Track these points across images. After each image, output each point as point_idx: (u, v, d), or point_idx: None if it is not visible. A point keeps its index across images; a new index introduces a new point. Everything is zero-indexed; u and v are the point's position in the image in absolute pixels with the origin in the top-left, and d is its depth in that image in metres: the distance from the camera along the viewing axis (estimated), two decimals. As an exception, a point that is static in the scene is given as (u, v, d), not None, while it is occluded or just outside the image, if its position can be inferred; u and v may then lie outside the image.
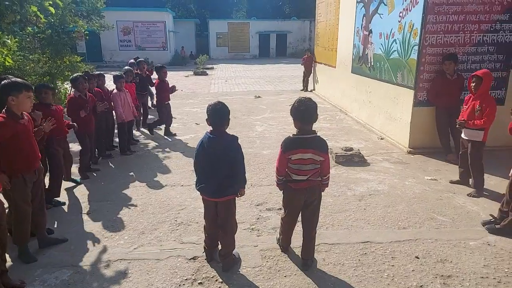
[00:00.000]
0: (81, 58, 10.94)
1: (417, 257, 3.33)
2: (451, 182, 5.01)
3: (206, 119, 3.02)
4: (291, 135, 3.05)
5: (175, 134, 7.70)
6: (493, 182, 4.96)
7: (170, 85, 7.63)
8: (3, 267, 2.91)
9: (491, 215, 3.94)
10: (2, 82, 3.12)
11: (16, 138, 3.12)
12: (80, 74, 5.66)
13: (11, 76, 3.35)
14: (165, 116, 7.57)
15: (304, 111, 2.99)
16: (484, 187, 4.73)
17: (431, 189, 4.82)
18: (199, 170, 3.17)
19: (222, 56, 34.93)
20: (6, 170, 3.15)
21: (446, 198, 4.57)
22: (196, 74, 20.77)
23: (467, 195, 4.65)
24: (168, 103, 7.56)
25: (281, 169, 3.06)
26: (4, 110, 3.13)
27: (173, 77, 19.46)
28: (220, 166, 3.04)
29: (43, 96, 4.29)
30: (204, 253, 3.37)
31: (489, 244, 3.53)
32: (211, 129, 3.06)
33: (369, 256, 3.38)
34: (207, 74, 20.81)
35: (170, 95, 7.61)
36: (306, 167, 2.97)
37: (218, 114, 2.98)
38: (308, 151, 2.95)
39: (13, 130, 3.09)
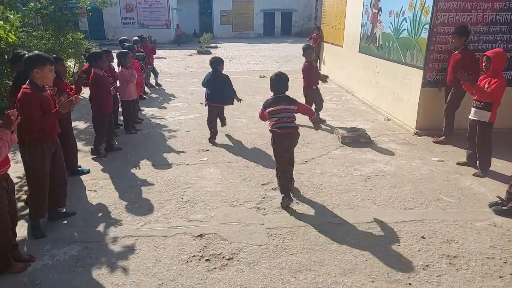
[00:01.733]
0: (84, 35, 10.79)
1: (423, 237, 3.34)
2: (458, 163, 4.97)
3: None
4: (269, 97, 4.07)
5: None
6: (501, 164, 4.92)
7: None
8: (14, 241, 2.95)
9: (498, 196, 3.92)
10: (27, 55, 3.22)
11: (40, 109, 3.18)
12: (100, 50, 5.63)
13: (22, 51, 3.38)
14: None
15: (277, 83, 4.04)
16: (492, 169, 4.71)
17: (437, 171, 4.79)
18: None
19: (226, 35, 34.36)
20: (26, 139, 3.26)
21: (453, 179, 4.55)
22: (200, 53, 20.51)
23: (473, 175, 4.65)
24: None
25: (262, 118, 4.12)
26: (27, 82, 3.19)
27: (177, 56, 19.27)
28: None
29: (58, 69, 4.26)
30: None
31: (495, 226, 3.53)
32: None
33: (375, 235, 3.39)
34: (211, 53, 20.53)
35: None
36: (282, 114, 3.90)
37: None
38: (279, 104, 3.92)
39: (39, 101, 3.16)
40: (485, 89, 4.39)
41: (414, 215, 3.73)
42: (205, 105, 6.01)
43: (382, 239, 3.34)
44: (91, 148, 5.43)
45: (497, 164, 4.88)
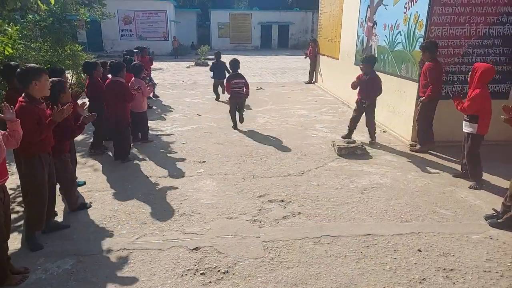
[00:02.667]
0: (82, 47, 10.85)
1: (419, 250, 3.33)
2: (454, 176, 4.99)
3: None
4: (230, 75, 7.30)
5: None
6: (497, 176, 4.93)
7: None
8: (6, 254, 2.92)
9: (493, 209, 3.93)
10: (21, 69, 3.20)
11: (38, 122, 3.19)
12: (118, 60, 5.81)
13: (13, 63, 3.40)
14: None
15: (234, 65, 7.26)
16: (488, 181, 4.73)
17: (433, 183, 4.80)
18: None
19: (223, 47, 34.60)
20: (23, 152, 3.26)
21: (449, 191, 4.56)
22: (197, 64, 20.64)
23: (469, 187, 4.66)
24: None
25: (227, 89, 7.15)
26: (23, 95, 3.19)
27: (174, 68, 19.38)
28: None
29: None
30: None
31: (491, 238, 3.53)
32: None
33: (372, 248, 3.38)
34: (208, 65, 20.63)
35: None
36: (238, 85, 7.01)
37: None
38: (236, 79, 7.03)
39: (36, 114, 3.17)
40: (464, 104, 4.50)
41: (410, 228, 3.73)
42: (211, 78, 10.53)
43: (379, 252, 3.33)
44: (115, 156, 5.63)
45: (493, 176, 4.90)
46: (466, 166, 4.80)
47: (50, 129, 3.33)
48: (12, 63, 4.30)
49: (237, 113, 7.37)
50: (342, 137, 6.48)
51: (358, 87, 6.28)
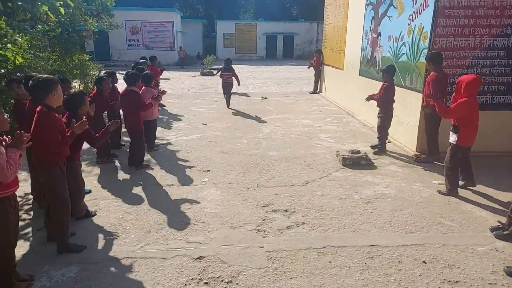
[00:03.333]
0: (90, 57, 11.02)
1: (424, 262, 3.31)
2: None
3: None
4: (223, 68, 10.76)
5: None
6: (502, 188, 4.90)
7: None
8: (13, 261, 2.94)
9: (499, 221, 3.90)
10: (42, 79, 3.24)
11: (59, 132, 3.25)
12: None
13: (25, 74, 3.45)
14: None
15: (227, 62, 10.54)
16: (492, 193, 4.72)
17: (438, 194, 4.78)
18: None
19: (229, 57, 34.95)
20: (43, 163, 3.28)
21: (454, 203, 4.53)
22: (203, 74, 20.81)
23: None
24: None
25: (220, 76, 10.63)
26: (42, 105, 3.22)
27: (180, 77, 19.56)
28: None
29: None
30: None
31: (497, 250, 3.50)
32: None
33: (376, 259, 3.36)
34: (214, 75, 20.81)
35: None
36: (225, 76, 10.38)
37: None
38: (225, 71, 10.37)
39: (57, 124, 3.24)
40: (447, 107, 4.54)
41: (415, 239, 3.71)
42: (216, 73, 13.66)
43: (383, 263, 3.31)
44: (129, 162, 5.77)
45: (498, 188, 4.87)
46: (467, 175, 4.85)
47: (71, 140, 3.39)
48: (33, 74, 4.42)
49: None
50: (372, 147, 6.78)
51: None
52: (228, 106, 10.60)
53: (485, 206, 4.44)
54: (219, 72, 11.02)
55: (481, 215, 4.22)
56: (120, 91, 6.47)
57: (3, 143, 2.62)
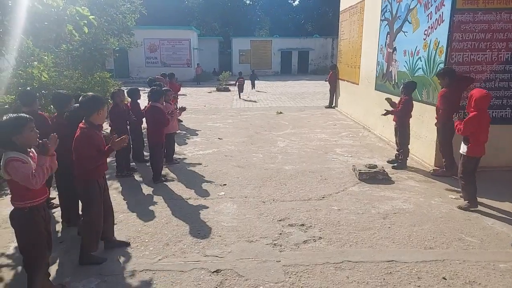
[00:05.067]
0: (110, 74, 11.39)
1: (444, 278, 3.25)
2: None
3: None
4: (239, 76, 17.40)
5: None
6: (524, 203, 4.78)
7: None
8: (47, 270, 3.03)
9: (522, 237, 3.81)
10: (88, 98, 3.41)
11: (97, 148, 3.39)
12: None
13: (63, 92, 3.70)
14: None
15: (239, 73, 18.37)
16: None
17: (458, 209, 4.70)
18: None
19: (244, 73, 35.15)
20: (81, 177, 3.42)
21: (474, 218, 4.45)
22: (218, 90, 21.13)
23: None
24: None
25: (236, 81, 17.94)
26: (84, 121, 3.39)
27: (196, 93, 19.90)
28: None
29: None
30: None
31: (520, 267, 3.41)
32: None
33: (395, 275, 3.32)
34: (229, 90, 21.14)
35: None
36: (240, 80, 17.70)
37: None
38: (240, 77, 17.93)
39: (97, 140, 3.40)
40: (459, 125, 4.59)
41: (434, 255, 3.64)
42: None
43: (402, 279, 3.26)
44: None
45: (520, 203, 4.76)
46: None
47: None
48: (62, 91, 4.64)
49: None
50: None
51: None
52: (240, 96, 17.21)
53: (506, 222, 4.33)
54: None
55: (503, 231, 4.13)
56: (141, 107, 6.72)
57: (31, 155, 2.75)
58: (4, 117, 2.62)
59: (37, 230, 2.79)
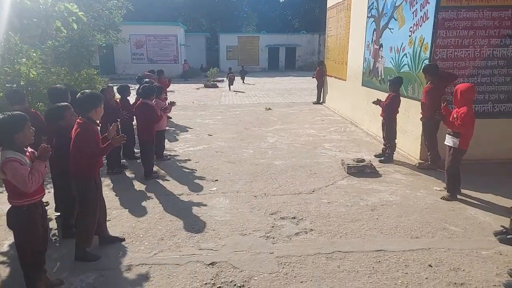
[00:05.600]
0: (97, 71, 11.28)
1: (430, 266, 3.41)
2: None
3: None
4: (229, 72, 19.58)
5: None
6: (505, 194, 5.00)
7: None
8: (43, 266, 3.07)
9: (502, 226, 3.99)
10: (86, 95, 3.45)
11: (97, 143, 3.45)
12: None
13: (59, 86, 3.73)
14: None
15: (229, 69, 20.62)
16: (495, 199, 4.83)
17: (442, 200, 4.88)
18: None
19: (232, 69, 35.37)
20: (79, 173, 3.45)
21: (458, 209, 4.63)
22: (206, 86, 21.09)
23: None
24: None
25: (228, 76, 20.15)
26: (81, 117, 3.43)
27: (184, 90, 19.83)
28: None
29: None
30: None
31: (501, 254, 3.59)
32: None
33: (383, 264, 3.46)
34: (217, 87, 21.12)
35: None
36: (230, 75, 19.99)
37: None
38: (230, 72, 20.12)
39: (96, 135, 3.45)
40: (455, 122, 4.67)
41: (421, 244, 3.80)
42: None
43: (390, 267, 3.41)
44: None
45: (500, 194, 4.97)
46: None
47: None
48: (58, 86, 4.64)
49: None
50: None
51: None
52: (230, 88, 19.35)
53: (489, 212, 4.53)
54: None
55: (485, 220, 4.32)
56: (131, 103, 6.72)
57: (27, 154, 2.78)
58: (2, 115, 2.63)
59: (35, 227, 2.82)
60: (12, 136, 2.63)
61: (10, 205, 2.82)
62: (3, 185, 2.83)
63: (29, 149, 2.85)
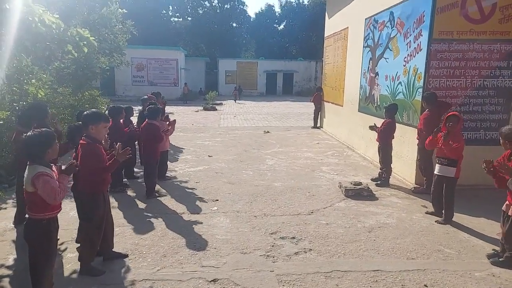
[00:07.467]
0: (100, 92, 11.55)
1: (425, 286, 3.52)
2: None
3: None
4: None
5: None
6: (497, 218, 5.13)
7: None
8: (51, 281, 3.15)
9: (493, 249, 4.14)
10: (84, 113, 3.64)
11: (101, 161, 3.57)
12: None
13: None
14: None
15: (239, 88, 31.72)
16: (489, 222, 5.00)
17: (437, 224, 5.02)
18: None
19: (230, 93, 35.95)
20: (89, 191, 3.57)
21: (452, 232, 4.77)
22: (205, 109, 21.44)
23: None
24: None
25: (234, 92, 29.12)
26: (84, 136, 3.59)
27: (184, 112, 20.12)
28: None
29: None
30: None
31: (493, 275, 3.72)
32: None
33: (380, 283, 3.57)
34: (216, 110, 21.47)
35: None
36: (234, 92, 31.16)
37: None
38: (234, 90, 31.37)
39: (100, 153, 3.58)
40: (452, 146, 4.84)
41: (416, 265, 3.92)
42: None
43: (387, 286, 3.51)
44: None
45: (492, 218, 5.12)
46: (437, 205, 5.19)
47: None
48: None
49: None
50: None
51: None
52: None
53: (481, 235, 4.68)
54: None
55: (478, 243, 4.46)
56: (134, 124, 6.91)
57: (54, 168, 2.94)
58: (32, 132, 2.80)
59: (52, 241, 2.94)
60: (47, 151, 2.80)
61: (28, 218, 2.94)
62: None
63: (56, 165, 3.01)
